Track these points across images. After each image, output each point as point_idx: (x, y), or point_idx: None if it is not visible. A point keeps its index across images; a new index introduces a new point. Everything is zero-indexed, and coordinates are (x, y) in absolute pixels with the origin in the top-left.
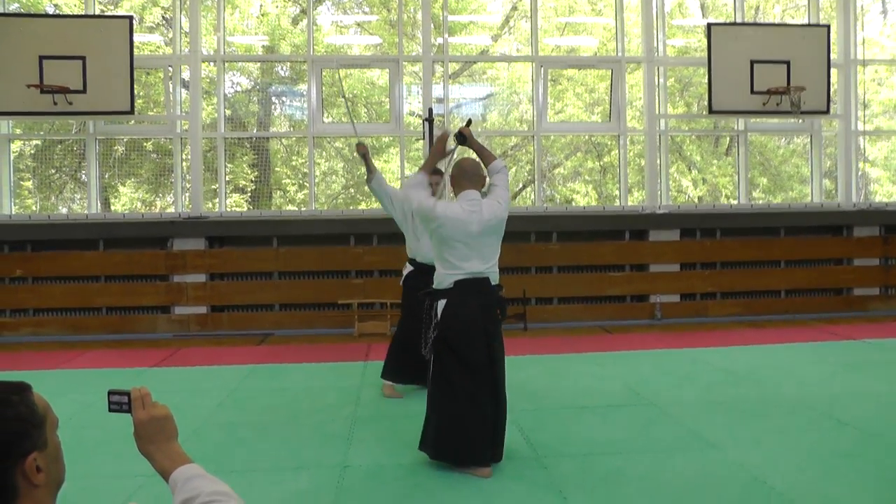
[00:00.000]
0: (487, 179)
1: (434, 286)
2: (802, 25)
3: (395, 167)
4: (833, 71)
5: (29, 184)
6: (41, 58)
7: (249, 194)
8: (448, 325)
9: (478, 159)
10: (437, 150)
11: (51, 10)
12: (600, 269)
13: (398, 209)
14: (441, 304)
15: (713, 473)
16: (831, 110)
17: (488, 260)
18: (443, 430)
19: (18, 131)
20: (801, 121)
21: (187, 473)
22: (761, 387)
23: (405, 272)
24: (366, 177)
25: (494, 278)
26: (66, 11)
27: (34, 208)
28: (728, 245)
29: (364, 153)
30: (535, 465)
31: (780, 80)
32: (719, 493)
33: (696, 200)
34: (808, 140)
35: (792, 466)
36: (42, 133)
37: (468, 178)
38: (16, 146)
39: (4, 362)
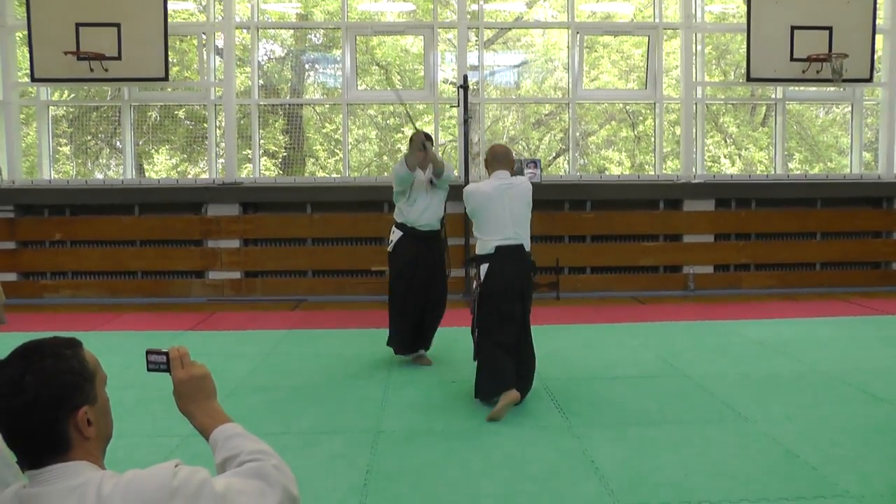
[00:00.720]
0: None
1: (477, 252)
2: None
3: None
4: (878, 37)
5: (66, 149)
6: (77, 25)
7: (280, 160)
8: (490, 284)
9: (507, 146)
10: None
11: None
12: (634, 238)
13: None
14: (484, 267)
15: (746, 446)
16: (875, 78)
17: (521, 227)
18: (481, 372)
19: (55, 97)
20: (842, 89)
21: (228, 432)
22: (795, 360)
23: (394, 238)
24: (407, 159)
25: (527, 245)
26: None
27: (71, 173)
28: (763, 216)
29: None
30: (566, 435)
31: (822, 46)
32: (752, 466)
33: (733, 171)
34: (849, 109)
35: (825, 441)
36: (77, 98)
37: (499, 160)
38: (53, 110)
39: (45, 323)
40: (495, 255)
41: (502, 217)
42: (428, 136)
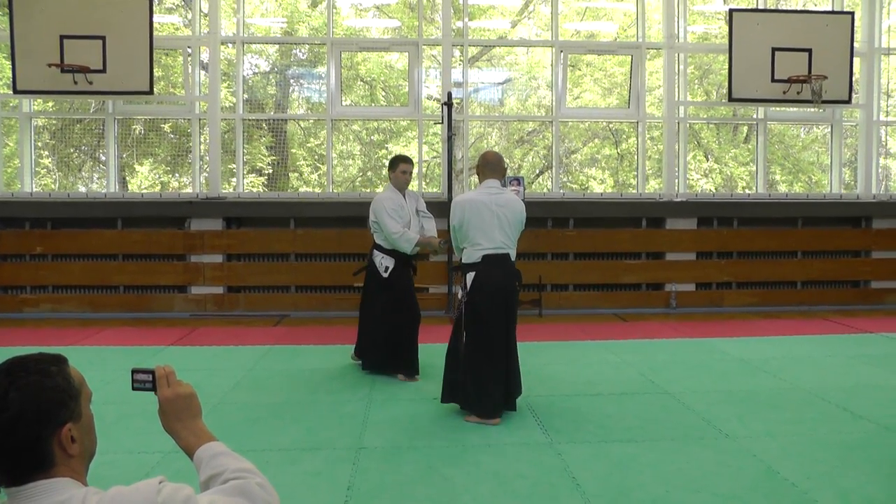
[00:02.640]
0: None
1: (463, 261)
2: (826, 12)
3: (413, 151)
4: (856, 59)
5: (47, 161)
6: (62, 37)
7: (267, 177)
8: (477, 292)
9: (499, 153)
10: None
11: None
12: (616, 256)
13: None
14: (470, 276)
15: (726, 463)
16: (853, 100)
17: (509, 237)
18: (471, 390)
19: (37, 108)
20: (821, 110)
21: (212, 451)
22: (776, 378)
23: (387, 264)
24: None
25: (513, 255)
26: None
27: (53, 186)
28: (745, 234)
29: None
30: (548, 451)
31: (802, 68)
32: (732, 482)
33: (712, 189)
34: (829, 130)
35: (805, 458)
36: (62, 111)
37: (491, 168)
38: (35, 122)
39: (25, 338)
40: (482, 263)
41: (490, 226)
42: (407, 159)
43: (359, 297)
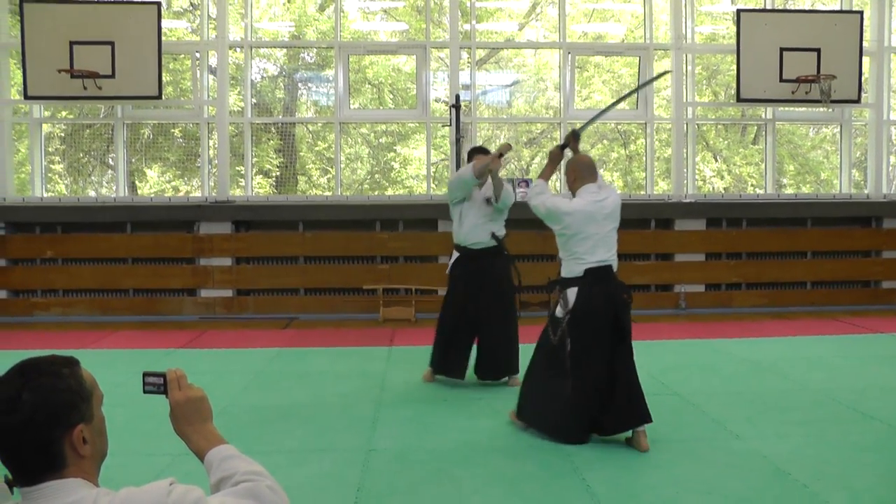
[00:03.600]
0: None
1: (563, 275)
2: (834, 11)
3: (421, 153)
4: (865, 59)
5: (59, 167)
6: (71, 43)
7: (274, 179)
8: (581, 309)
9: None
10: (554, 157)
11: None
12: (625, 257)
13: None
14: (572, 292)
15: (736, 464)
16: (862, 99)
17: (611, 249)
18: (564, 411)
19: (48, 114)
20: (830, 110)
21: (223, 454)
22: (786, 379)
23: (451, 260)
24: (474, 168)
25: (615, 266)
26: None
27: (63, 191)
28: (754, 235)
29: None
30: (558, 453)
31: (810, 67)
32: (742, 483)
33: (721, 190)
34: (838, 129)
35: (816, 459)
36: (71, 117)
37: (589, 171)
38: (46, 128)
39: (35, 341)
40: (585, 278)
41: (595, 241)
42: (483, 150)
43: (367, 298)
